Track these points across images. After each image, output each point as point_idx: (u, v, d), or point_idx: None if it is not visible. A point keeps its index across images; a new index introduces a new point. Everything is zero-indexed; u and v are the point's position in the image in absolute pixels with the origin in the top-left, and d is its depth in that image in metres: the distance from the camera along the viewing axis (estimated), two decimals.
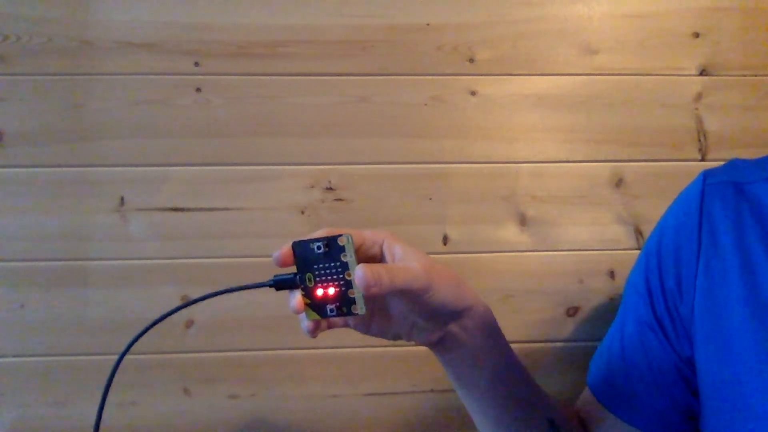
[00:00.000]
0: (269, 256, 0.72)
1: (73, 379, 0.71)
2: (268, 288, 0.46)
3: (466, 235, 0.74)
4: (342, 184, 0.74)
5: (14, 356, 0.71)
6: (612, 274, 0.75)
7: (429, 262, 0.44)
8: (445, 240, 0.74)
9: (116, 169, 0.72)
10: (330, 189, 0.74)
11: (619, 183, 0.76)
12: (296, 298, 0.44)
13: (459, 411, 0.58)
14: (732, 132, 0.76)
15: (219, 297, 0.72)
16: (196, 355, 0.72)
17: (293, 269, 0.45)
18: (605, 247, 0.75)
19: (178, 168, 0.73)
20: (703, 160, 0.76)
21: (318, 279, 0.43)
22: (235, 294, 0.72)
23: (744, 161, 0.50)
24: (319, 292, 0.43)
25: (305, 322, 0.45)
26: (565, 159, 0.75)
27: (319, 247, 0.43)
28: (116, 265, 0.72)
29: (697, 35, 0.77)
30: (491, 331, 0.50)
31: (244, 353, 0.73)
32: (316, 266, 0.43)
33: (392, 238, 0.46)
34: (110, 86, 0.73)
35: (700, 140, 0.76)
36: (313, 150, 0.74)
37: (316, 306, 0.43)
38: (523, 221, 0.75)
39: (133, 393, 0.72)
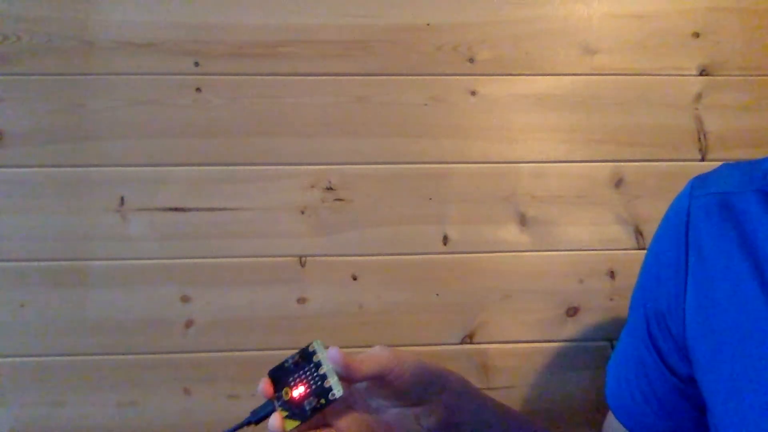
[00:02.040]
0: (269, 256, 0.73)
1: (73, 379, 0.71)
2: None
3: (466, 235, 0.74)
4: (342, 184, 0.74)
5: (14, 356, 0.71)
6: (612, 274, 0.75)
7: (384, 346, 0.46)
8: (445, 240, 0.74)
9: (116, 169, 0.72)
10: (330, 189, 0.74)
11: (619, 183, 0.76)
12: (274, 419, 0.44)
13: None
14: (732, 132, 0.76)
15: (220, 297, 0.72)
16: (196, 355, 0.72)
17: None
18: (605, 247, 0.75)
19: (178, 168, 0.73)
20: (703, 160, 0.76)
21: (294, 386, 0.44)
22: (236, 294, 0.72)
23: (733, 167, 0.48)
24: (295, 393, 0.44)
25: None
26: (565, 159, 0.75)
27: (292, 358, 0.46)
28: (116, 265, 0.72)
29: (697, 35, 0.77)
30: (478, 391, 0.51)
31: (244, 353, 0.73)
32: (291, 378, 0.45)
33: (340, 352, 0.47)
34: (110, 86, 0.73)
35: (700, 140, 0.76)
36: (313, 150, 0.74)
37: (295, 413, 0.43)
38: (523, 221, 0.75)
39: (133, 393, 0.72)
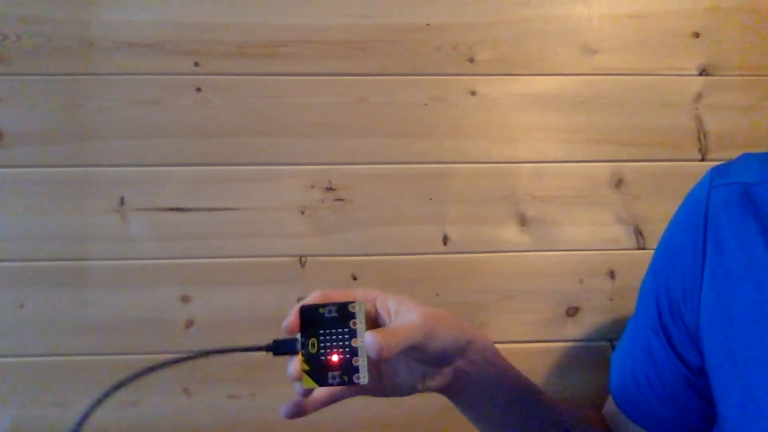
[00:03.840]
0: (269, 256, 0.73)
1: (73, 379, 0.71)
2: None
3: (466, 235, 0.74)
4: (342, 184, 0.74)
5: (14, 356, 0.71)
6: (612, 274, 0.75)
7: (424, 308, 0.45)
8: (445, 240, 0.74)
9: (116, 169, 0.72)
10: (330, 189, 0.74)
11: (619, 183, 0.76)
12: (294, 364, 0.43)
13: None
14: (732, 132, 0.76)
15: (219, 297, 0.72)
16: None
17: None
18: (605, 247, 0.75)
19: (178, 168, 0.73)
20: (703, 160, 0.76)
21: (322, 345, 0.42)
22: (236, 294, 0.72)
23: (755, 157, 0.47)
24: (323, 356, 0.42)
25: (298, 387, 0.43)
26: (565, 159, 0.75)
27: (330, 311, 0.43)
28: (116, 265, 0.72)
29: (697, 35, 0.77)
30: (496, 359, 0.50)
31: (244, 353, 0.73)
32: (322, 331, 0.43)
33: (383, 294, 0.46)
34: (110, 86, 0.73)
35: (700, 140, 0.76)
36: (313, 150, 0.74)
37: (316, 373, 0.42)
38: (523, 221, 0.75)
39: (133, 393, 0.72)
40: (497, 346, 0.51)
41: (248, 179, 0.73)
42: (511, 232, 0.75)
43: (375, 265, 0.74)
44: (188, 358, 0.45)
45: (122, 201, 0.72)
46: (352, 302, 0.43)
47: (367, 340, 0.41)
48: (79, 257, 0.72)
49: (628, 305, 0.75)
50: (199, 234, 0.73)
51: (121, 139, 0.72)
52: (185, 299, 0.72)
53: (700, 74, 0.77)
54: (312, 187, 0.74)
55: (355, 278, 0.73)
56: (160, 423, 0.72)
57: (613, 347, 0.75)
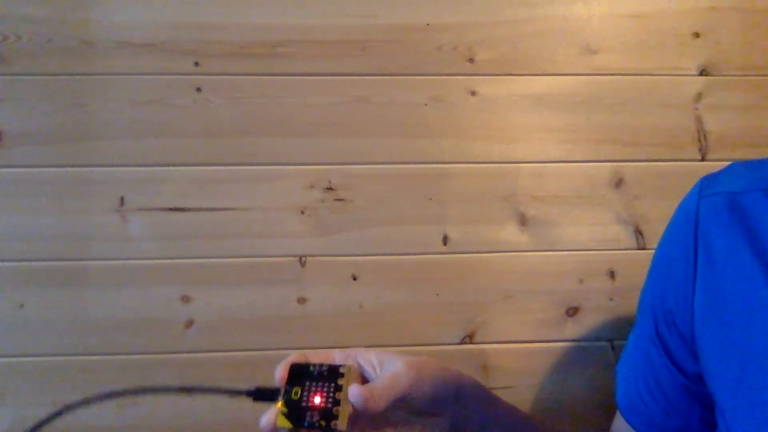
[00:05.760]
0: (269, 256, 0.73)
1: (73, 379, 0.71)
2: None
3: (466, 235, 0.74)
4: (342, 184, 0.74)
5: (14, 356, 0.71)
6: (612, 274, 0.75)
7: (407, 357, 0.46)
8: (445, 240, 0.74)
9: (116, 169, 0.72)
10: (330, 189, 0.74)
11: (619, 183, 0.76)
12: (269, 415, 0.43)
13: None
14: (732, 132, 0.76)
15: (220, 297, 0.72)
16: (196, 355, 0.72)
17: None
18: (605, 247, 0.75)
19: (178, 168, 0.73)
20: (703, 160, 0.76)
21: (305, 393, 0.43)
22: (236, 294, 0.73)
23: (743, 166, 0.48)
24: (304, 400, 0.43)
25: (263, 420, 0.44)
26: (565, 159, 0.75)
27: (320, 367, 0.44)
28: (116, 265, 0.72)
29: (697, 35, 0.77)
30: (490, 398, 0.51)
31: (244, 353, 0.73)
32: (308, 383, 0.44)
33: (363, 350, 0.47)
34: (110, 86, 0.73)
35: (700, 140, 0.76)
36: (313, 150, 0.74)
37: (294, 415, 0.42)
38: (523, 221, 0.75)
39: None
40: (497, 346, 0.51)
41: (248, 179, 0.73)
42: (511, 232, 0.75)
43: (375, 265, 0.74)
44: (166, 390, 0.45)
45: (122, 201, 0.72)
46: (344, 365, 0.44)
47: (352, 392, 0.42)
48: (79, 257, 0.72)
49: (628, 305, 0.75)
50: (199, 234, 0.73)
51: (121, 139, 0.73)
52: (185, 299, 0.72)
53: (700, 74, 0.77)
54: (312, 187, 0.74)
55: (355, 278, 0.73)
56: (160, 423, 0.72)
57: (613, 347, 0.75)
